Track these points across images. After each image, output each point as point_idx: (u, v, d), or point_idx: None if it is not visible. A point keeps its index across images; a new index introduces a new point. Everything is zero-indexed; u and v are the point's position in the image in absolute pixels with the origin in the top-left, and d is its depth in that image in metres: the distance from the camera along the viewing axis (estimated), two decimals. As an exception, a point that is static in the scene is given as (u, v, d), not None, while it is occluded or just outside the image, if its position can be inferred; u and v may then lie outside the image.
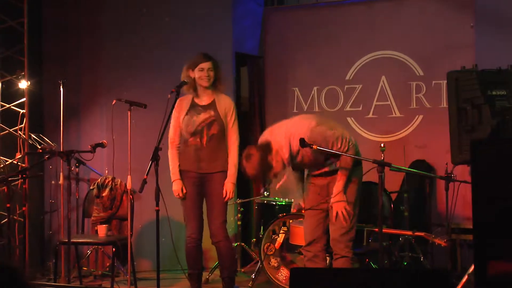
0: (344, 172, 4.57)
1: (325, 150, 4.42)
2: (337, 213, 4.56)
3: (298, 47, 7.27)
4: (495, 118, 4.97)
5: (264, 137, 4.60)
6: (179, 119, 5.26)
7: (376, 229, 4.97)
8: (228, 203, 5.35)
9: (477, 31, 6.50)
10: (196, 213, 5.25)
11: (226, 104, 5.28)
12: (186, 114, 5.24)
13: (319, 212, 4.73)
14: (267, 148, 4.48)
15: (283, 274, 5.77)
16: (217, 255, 5.39)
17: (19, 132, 6.47)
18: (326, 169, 4.69)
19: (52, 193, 6.71)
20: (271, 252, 5.80)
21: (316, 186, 4.77)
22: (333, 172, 4.67)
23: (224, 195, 5.22)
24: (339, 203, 4.56)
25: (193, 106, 5.26)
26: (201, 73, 5.20)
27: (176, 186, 5.23)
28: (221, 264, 5.37)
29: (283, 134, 4.51)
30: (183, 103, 5.27)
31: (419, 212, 6.43)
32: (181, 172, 5.26)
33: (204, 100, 5.28)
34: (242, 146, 4.99)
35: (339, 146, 4.47)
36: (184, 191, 5.23)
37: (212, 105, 5.26)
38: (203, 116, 5.22)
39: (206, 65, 5.20)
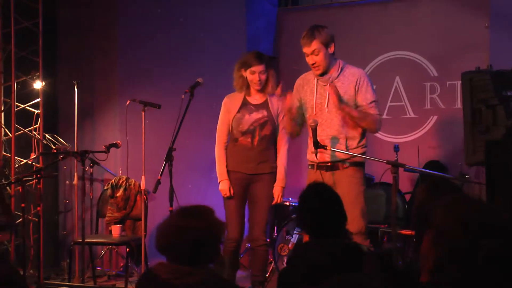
0: (359, 113, 4.48)
1: (339, 151, 4.37)
2: None
3: (312, 47, 7.24)
4: (510, 119, 4.94)
5: None
6: (228, 116, 5.10)
7: (390, 230, 4.96)
8: None
9: (492, 31, 6.46)
10: (239, 215, 5.08)
11: (279, 105, 5.06)
12: (238, 112, 5.07)
13: None
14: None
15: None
16: (250, 258, 5.24)
17: (33, 132, 6.50)
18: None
19: (66, 193, 6.74)
20: (285, 253, 5.79)
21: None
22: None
23: (272, 199, 5.07)
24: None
25: (245, 105, 5.09)
26: (252, 76, 5.00)
27: (224, 186, 5.05)
28: (255, 267, 5.14)
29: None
30: (233, 101, 5.11)
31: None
32: (228, 172, 5.10)
33: (256, 99, 5.11)
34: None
35: (373, 104, 4.52)
36: (232, 191, 5.07)
37: (265, 105, 5.09)
38: (255, 115, 5.06)
39: (258, 68, 4.99)
